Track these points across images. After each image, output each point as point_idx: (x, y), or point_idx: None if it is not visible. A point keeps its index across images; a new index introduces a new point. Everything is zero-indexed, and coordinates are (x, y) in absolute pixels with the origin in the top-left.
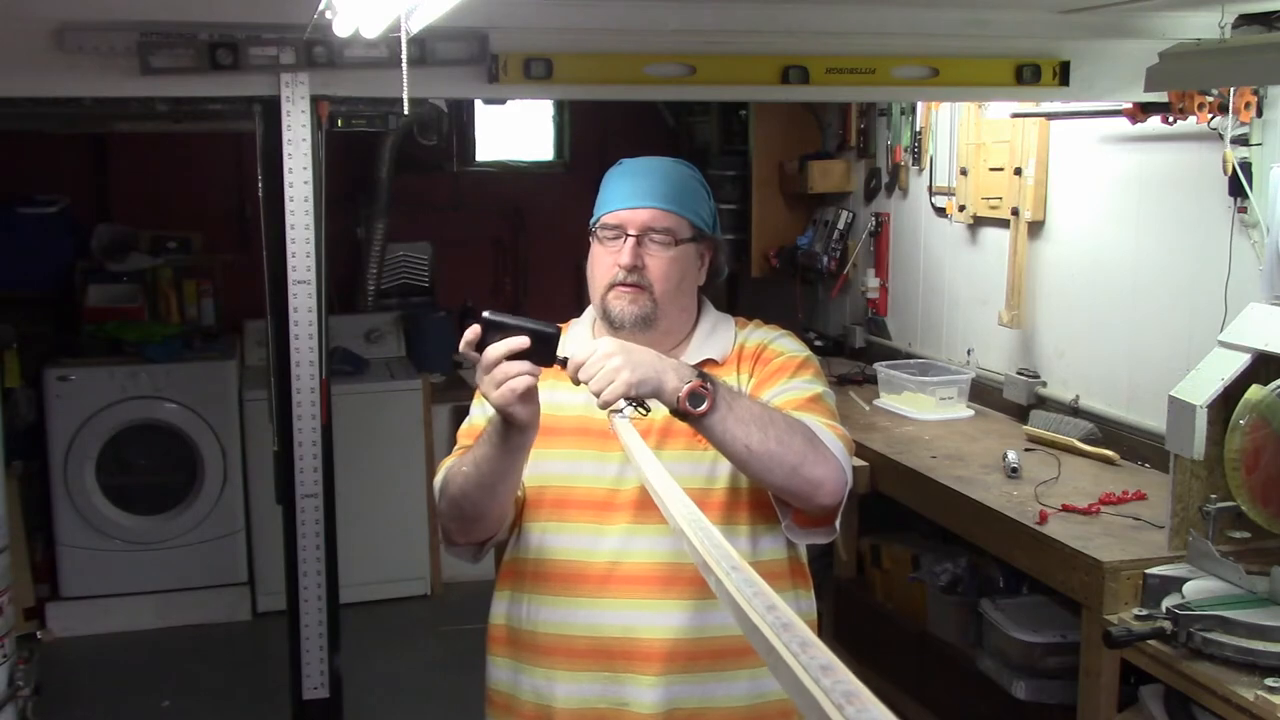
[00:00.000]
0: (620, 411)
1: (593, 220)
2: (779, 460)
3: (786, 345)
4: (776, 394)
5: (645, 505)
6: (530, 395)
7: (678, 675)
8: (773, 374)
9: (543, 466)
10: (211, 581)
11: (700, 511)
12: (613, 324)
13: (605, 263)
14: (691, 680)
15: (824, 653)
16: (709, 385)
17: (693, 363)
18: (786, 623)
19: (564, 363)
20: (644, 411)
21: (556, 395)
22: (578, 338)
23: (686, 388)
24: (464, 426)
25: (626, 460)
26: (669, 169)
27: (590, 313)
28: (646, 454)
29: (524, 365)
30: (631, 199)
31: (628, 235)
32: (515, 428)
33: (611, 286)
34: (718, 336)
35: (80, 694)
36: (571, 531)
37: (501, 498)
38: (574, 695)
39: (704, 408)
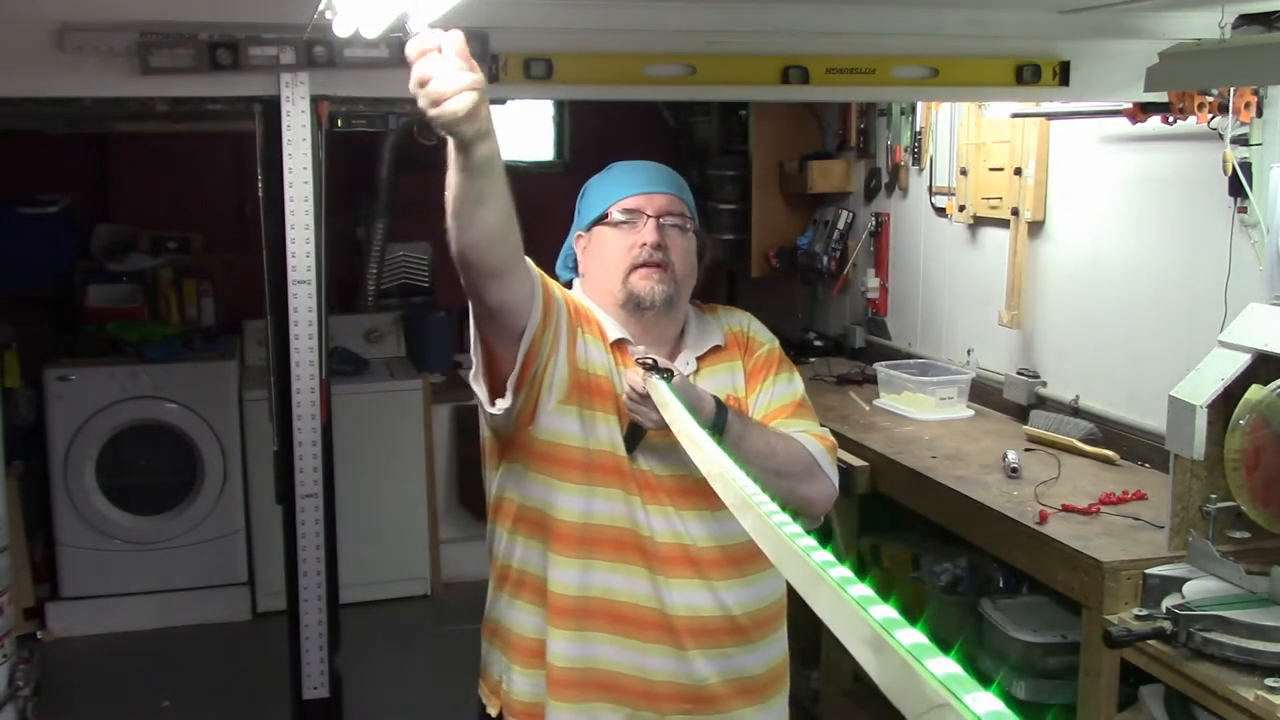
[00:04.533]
0: (654, 374)
1: (598, 212)
2: (776, 486)
3: (761, 334)
4: (766, 396)
5: (680, 492)
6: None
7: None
8: (758, 369)
9: (584, 429)
10: (211, 581)
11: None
12: (640, 305)
13: (623, 245)
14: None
15: (860, 585)
16: (720, 423)
17: (701, 351)
18: (822, 555)
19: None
20: (668, 377)
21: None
22: (611, 324)
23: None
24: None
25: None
26: (664, 166)
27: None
28: (681, 410)
29: (468, 79)
30: (646, 185)
31: (649, 217)
32: (466, 147)
33: (635, 268)
34: (706, 324)
35: (80, 694)
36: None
37: (493, 216)
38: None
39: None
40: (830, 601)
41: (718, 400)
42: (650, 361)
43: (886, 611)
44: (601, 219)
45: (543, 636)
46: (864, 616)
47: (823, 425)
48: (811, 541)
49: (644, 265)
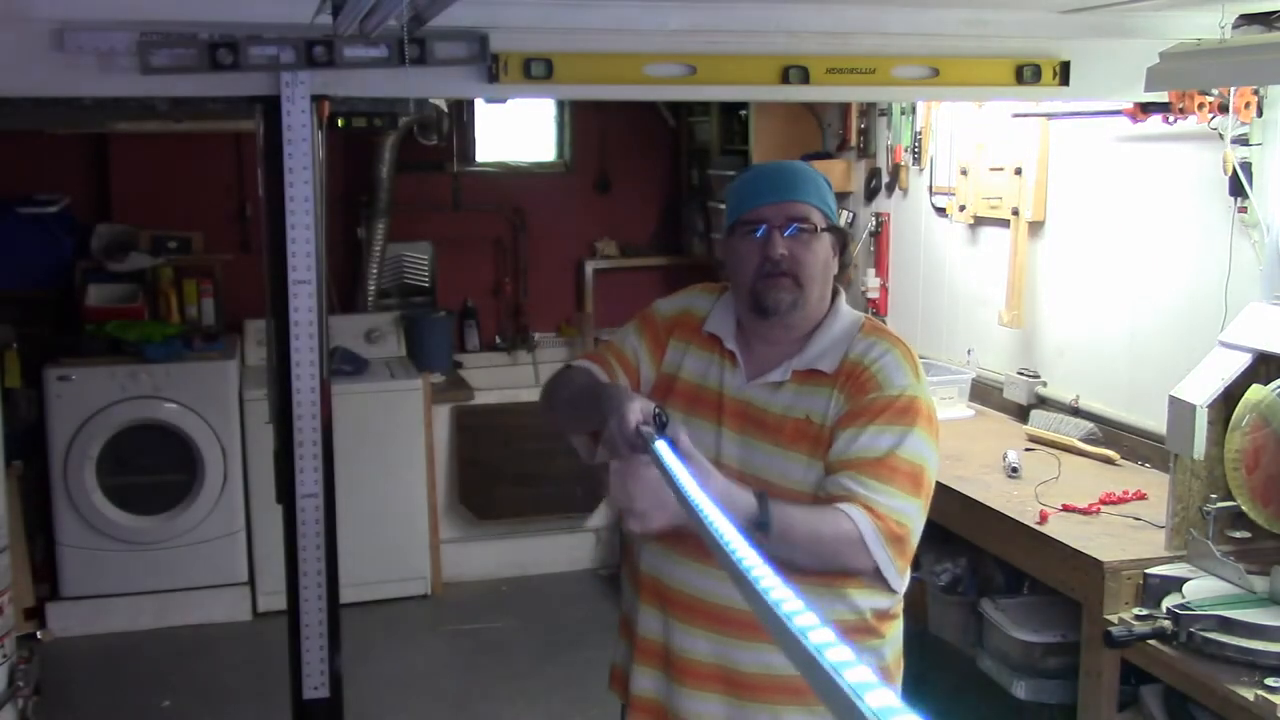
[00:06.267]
0: (650, 430)
1: (730, 221)
2: (821, 565)
3: (886, 374)
4: (851, 444)
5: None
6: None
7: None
8: (859, 412)
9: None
10: (211, 581)
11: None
12: (765, 312)
13: (751, 255)
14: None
15: (858, 669)
16: (765, 519)
17: (804, 367)
18: (821, 635)
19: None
20: (663, 423)
21: (698, 364)
22: (723, 321)
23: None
24: (614, 339)
25: (723, 429)
26: (797, 166)
27: (728, 300)
28: (686, 475)
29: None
30: (771, 194)
31: (773, 227)
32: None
33: (760, 277)
34: (837, 342)
35: (80, 694)
36: None
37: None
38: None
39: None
40: (827, 686)
41: (759, 494)
42: (663, 418)
43: (885, 699)
44: (733, 228)
45: (664, 633)
46: (859, 706)
47: (909, 497)
48: (811, 619)
49: (769, 276)
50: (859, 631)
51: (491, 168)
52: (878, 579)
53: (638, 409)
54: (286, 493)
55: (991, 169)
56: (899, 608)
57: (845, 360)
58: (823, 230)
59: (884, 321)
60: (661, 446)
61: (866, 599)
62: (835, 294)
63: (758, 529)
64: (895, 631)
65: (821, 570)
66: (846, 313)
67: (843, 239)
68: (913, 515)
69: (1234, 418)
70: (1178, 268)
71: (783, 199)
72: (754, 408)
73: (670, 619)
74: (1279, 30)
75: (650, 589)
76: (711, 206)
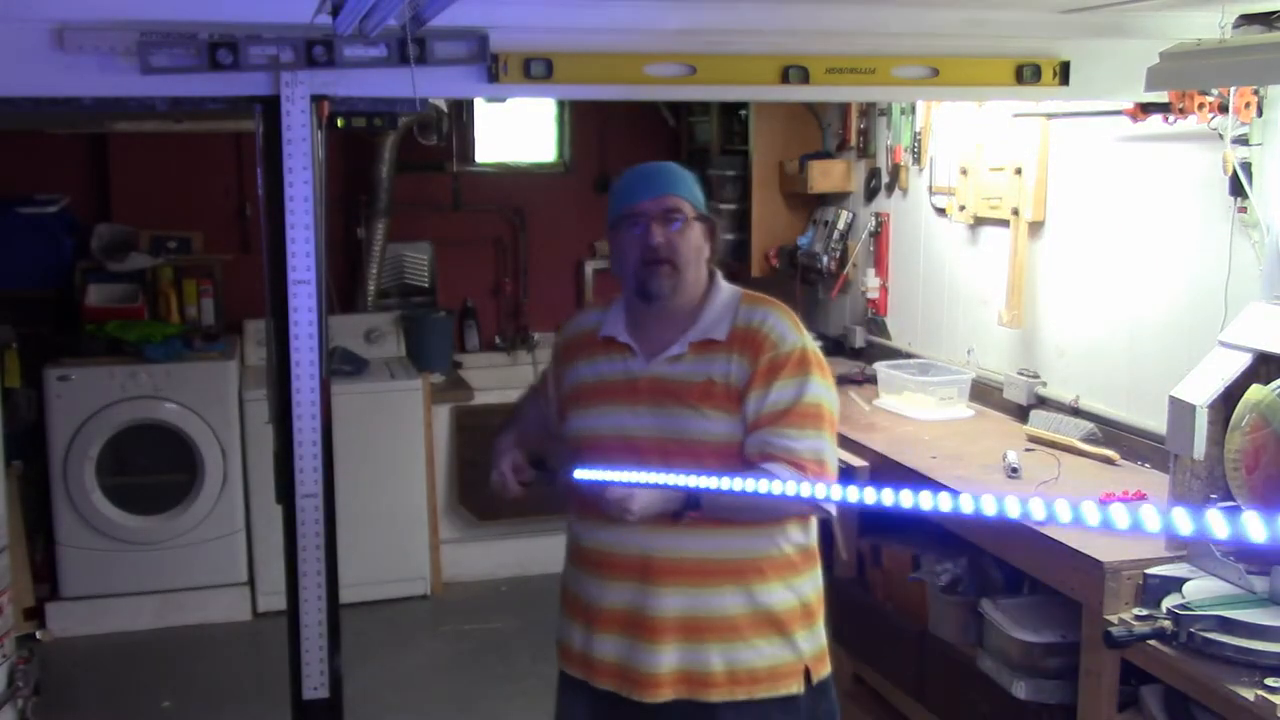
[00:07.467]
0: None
1: (611, 219)
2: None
3: (778, 333)
4: (761, 402)
5: (659, 450)
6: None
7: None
8: (765, 371)
9: (588, 421)
10: (211, 581)
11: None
12: (649, 297)
13: (633, 246)
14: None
15: None
16: (695, 507)
17: (698, 339)
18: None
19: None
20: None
21: (596, 366)
22: (615, 321)
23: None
24: (546, 369)
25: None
26: (666, 166)
27: (619, 304)
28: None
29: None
30: (645, 191)
31: (650, 219)
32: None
33: (643, 265)
34: (724, 312)
35: (80, 694)
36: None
37: None
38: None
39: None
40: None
41: (684, 490)
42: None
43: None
44: (616, 224)
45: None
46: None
47: (819, 434)
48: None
49: (649, 263)
50: (782, 568)
51: (491, 168)
52: (816, 510)
53: (508, 458)
54: (286, 493)
55: (991, 169)
56: (814, 546)
57: (735, 327)
58: (694, 219)
59: (884, 321)
60: (582, 473)
61: (786, 537)
62: (712, 274)
63: (690, 507)
64: (814, 570)
65: (761, 520)
66: (726, 288)
67: (712, 226)
68: (826, 449)
69: (1234, 418)
70: (1178, 268)
71: (657, 194)
72: (662, 380)
73: (604, 579)
74: (1279, 30)
75: (590, 559)
76: (711, 206)
